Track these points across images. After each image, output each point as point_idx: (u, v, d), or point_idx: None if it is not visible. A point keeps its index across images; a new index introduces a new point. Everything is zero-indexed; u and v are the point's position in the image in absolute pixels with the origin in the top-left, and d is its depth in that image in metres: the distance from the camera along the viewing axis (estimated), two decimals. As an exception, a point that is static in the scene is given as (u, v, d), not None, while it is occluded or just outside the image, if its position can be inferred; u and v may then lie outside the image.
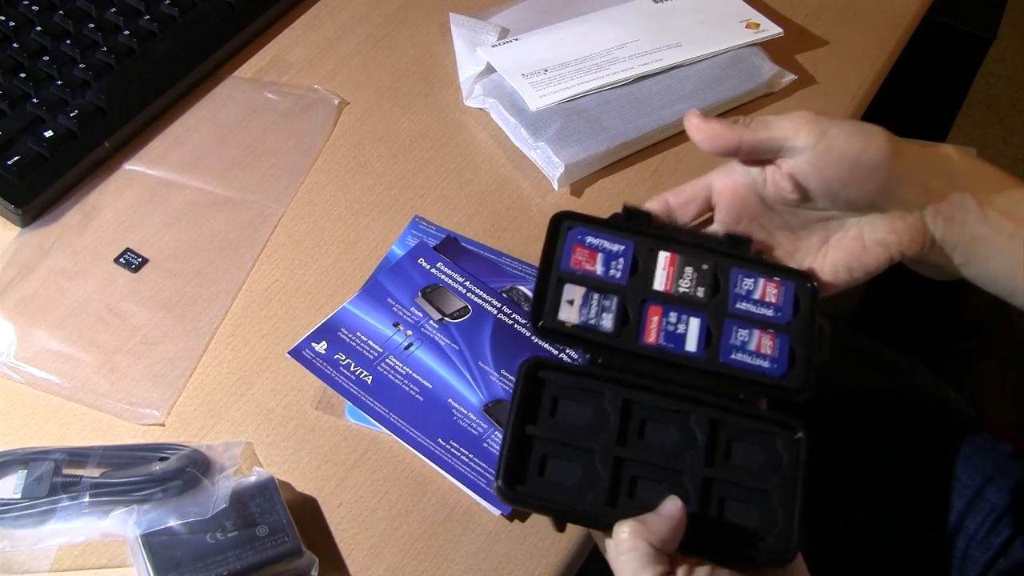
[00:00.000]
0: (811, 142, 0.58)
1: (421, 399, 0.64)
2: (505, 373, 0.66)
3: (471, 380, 0.65)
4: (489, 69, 0.82)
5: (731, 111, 0.83)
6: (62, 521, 0.56)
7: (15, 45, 0.78)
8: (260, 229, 0.73)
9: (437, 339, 0.67)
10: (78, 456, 0.59)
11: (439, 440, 0.63)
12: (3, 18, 0.80)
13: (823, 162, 0.58)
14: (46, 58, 0.78)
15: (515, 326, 0.68)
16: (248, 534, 0.56)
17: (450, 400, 0.64)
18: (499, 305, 0.69)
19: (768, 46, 0.85)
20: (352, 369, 0.65)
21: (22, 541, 0.56)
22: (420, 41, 0.87)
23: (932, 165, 0.60)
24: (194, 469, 0.58)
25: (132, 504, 0.56)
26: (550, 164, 0.77)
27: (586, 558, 0.62)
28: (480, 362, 0.66)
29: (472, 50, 0.83)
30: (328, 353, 0.66)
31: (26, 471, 0.57)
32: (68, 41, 0.79)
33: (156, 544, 0.55)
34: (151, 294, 0.69)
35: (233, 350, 0.67)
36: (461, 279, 0.70)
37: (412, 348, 0.67)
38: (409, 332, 0.67)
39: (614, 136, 0.78)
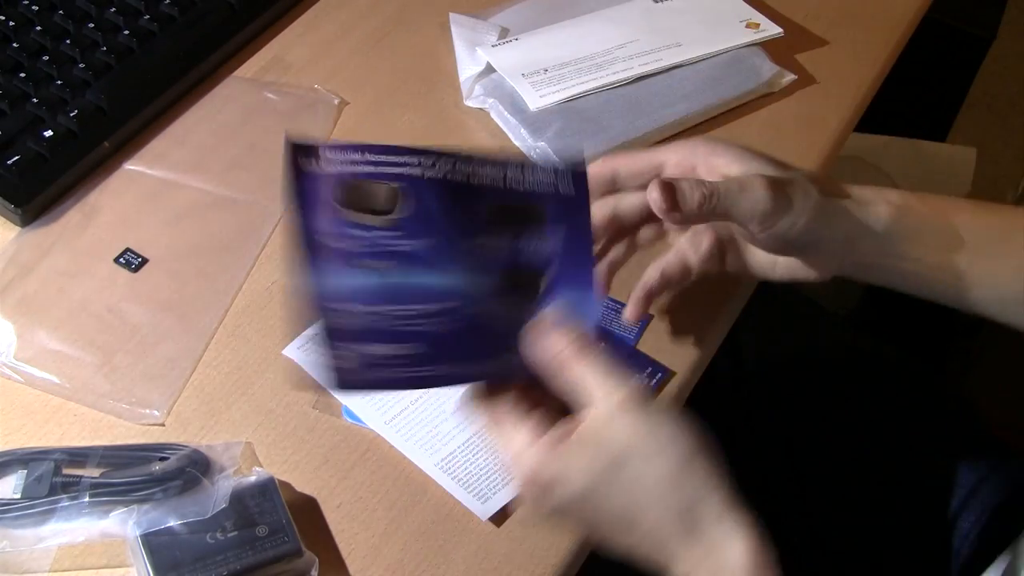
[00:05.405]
0: (768, 218, 0.58)
1: (454, 328, 0.53)
2: (490, 236, 0.55)
3: (467, 270, 0.54)
4: (489, 69, 0.82)
5: (731, 111, 0.83)
6: (62, 521, 0.56)
7: (15, 45, 0.78)
8: (260, 229, 0.73)
9: (398, 248, 0.53)
10: (78, 456, 0.59)
11: (498, 354, 0.54)
12: (3, 18, 0.80)
13: (772, 238, 0.60)
14: (46, 58, 0.78)
15: (463, 182, 0.54)
16: (248, 534, 0.56)
17: (472, 310, 0.54)
18: (428, 164, 0.53)
19: (768, 46, 0.85)
20: (385, 357, 0.53)
21: (22, 541, 0.56)
22: (420, 41, 0.87)
23: (858, 226, 0.61)
24: (194, 469, 0.58)
25: (132, 504, 0.56)
26: (550, 164, 0.77)
27: (586, 558, 0.62)
28: (458, 242, 0.54)
29: (472, 50, 0.83)
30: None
31: (26, 471, 0.57)
32: (68, 41, 0.79)
33: (156, 544, 0.55)
34: (151, 294, 0.69)
35: (233, 350, 0.67)
36: (366, 158, 0.53)
37: (391, 277, 0.53)
38: (385, 264, 0.53)
39: (614, 136, 0.78)
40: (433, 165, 0.54)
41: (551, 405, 0.53)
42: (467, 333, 0.54)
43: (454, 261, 0.54)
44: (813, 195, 0.59)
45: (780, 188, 0.58)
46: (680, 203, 0.56)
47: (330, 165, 0.53)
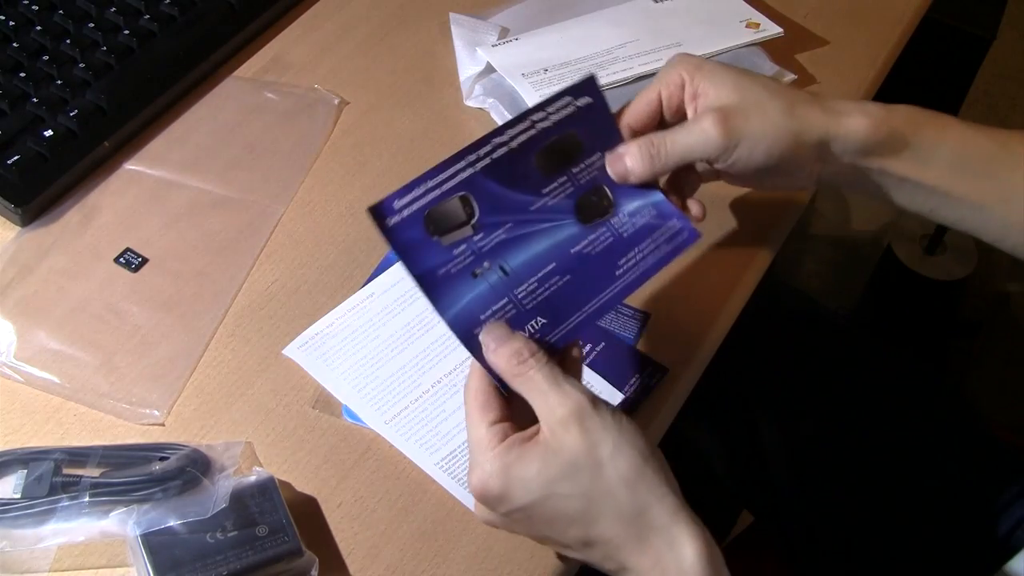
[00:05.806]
0: (723, 153, 0.61)
1: (567, 278, 0.59)
2: (551, 183, 0.61)
3: (551, 223, 0.60)
4: (489, 69, 0.82)
5: (731, 111, 0.83)
6: (62, 521, 0.56)
7: (15, 45, 0.78)
8: (260, 229, 0.73)
9: (492, 242, 0.59)
10: (78, 456, 0.59)
11: (613, 276, 0.60)
12: (3, 18, 0.80)
13: (738, 166, 0.62)
14: (46, 58, 0.78)
15: (505, 153, 0.60)
16: (248, 534, 0.56)
17: (573, 250, 0.60)
18: (472, 160, 0.59)
19: (768, 46, 0.85)
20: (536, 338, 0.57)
21: (22, 541, 0.56)
22: (420, 41, 0.87)
23: (831, 138, 0.62)
24: (194, 469, 0.58)
25: (132, 504, 0.56)
26: (550, 164, 0.77)
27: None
28: (532, 205, 0.60)
29: (472, 50, 0.83)
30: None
31: (26, 471, 0.57)
32: (68, 41, 0.79)
33: (156, 544, 0.55)
34: (151, 294, 0.69)
35: (233, 350, 0.67)
36: (425, 188, 0.57)
37: (505, 268, 0.59)
38: (487, 264, 0.58)
39: (614, 136, 0.78)
40: (477, 158, 0.59)
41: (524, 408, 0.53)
42: (582, 271, 0.60)
43: (538, 222, 0.60)
44: (773, 117, 0.60)
45: (729, 122, 0.60)
46: (633, 169, 0.60)
47: (406, 209, 0.57)
